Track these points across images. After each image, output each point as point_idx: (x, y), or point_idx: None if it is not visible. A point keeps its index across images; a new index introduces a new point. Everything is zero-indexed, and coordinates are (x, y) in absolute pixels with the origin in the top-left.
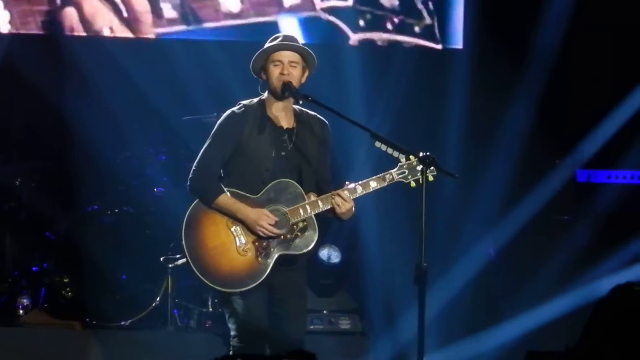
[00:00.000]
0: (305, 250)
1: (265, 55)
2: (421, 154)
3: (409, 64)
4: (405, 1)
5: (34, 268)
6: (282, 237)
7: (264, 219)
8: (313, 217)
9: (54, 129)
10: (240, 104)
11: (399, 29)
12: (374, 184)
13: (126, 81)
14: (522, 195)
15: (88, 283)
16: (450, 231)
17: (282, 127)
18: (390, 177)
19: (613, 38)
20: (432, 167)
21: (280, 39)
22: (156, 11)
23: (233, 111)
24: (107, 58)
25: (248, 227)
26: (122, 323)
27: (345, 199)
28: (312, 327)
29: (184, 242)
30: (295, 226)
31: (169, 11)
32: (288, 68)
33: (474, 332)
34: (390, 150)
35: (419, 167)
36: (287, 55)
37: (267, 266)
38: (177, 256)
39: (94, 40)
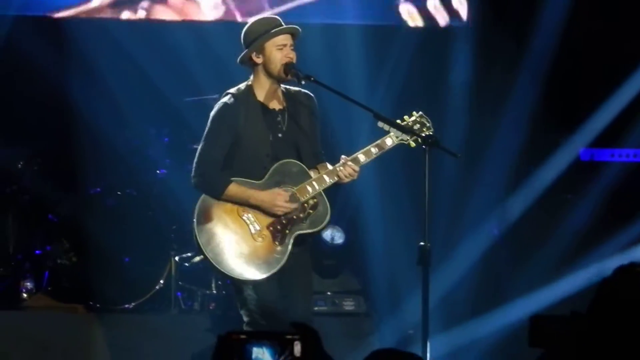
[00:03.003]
0: (321, 226)
1: (266, 39)
2: (424, 134)
3: (411, 41)
4: None
5: (37, 251)
6: (294, 217)
7: (279, 198)
8: (322, 192)
9: (56, 111)
10: (228, 93)
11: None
12: (375, 150)
13: (128, 63)
14: (526, 174)
15: (91, 266)
16: (454, 211)
17: (274, 110)
18: (390, 140)
19: (620, 15)
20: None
21: (276, 22)
22: None
23: (225, 103)
24: (108, 39)
25: (264, 211)
26: (126, 306)
27: (355, 169)
28: (316, 308)
29: (198, 239)
30: (306, 204)
31: None
32: (290, 51)
33: (479, 313)
34: (392, 130)
35: (416, 127)
36: (288, 38)
37: (287, 248)
38: (189, 254)
39: (96, 21)
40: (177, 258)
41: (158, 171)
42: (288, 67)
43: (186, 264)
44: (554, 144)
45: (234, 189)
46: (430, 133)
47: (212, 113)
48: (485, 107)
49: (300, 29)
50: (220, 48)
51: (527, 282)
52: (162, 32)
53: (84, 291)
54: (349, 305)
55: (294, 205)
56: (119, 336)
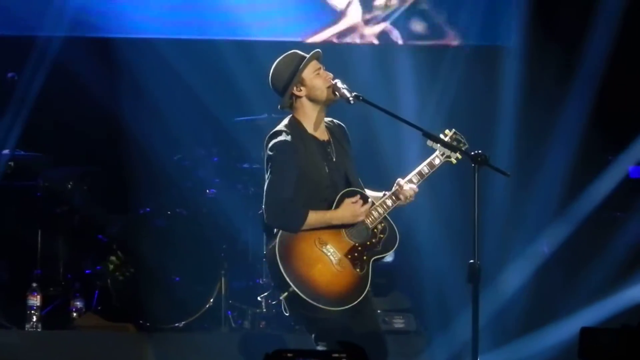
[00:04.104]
0: (393, 249)
1: (302, 69)
2: (473, 152)
3: (460, 61)
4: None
5: (87, 271)
6: (368, 242)
7: (355, 206)
8: (387, 216)
9: (106, 131)
10: (281, 132)
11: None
12: (425, 169)
13: (178, 83)
14: (575, 192)
15: (141, 285)
16: (504, 230)
17: (324, 140)
18: (438, 160)
19: None
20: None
21: (300, 54)
22: None
23: (283, 140)
24: (158, 60)
25: (345, 230)
26: (176, 325)
27: (415, 189)
28: None
29: (285, 275)
30: (375, 229)
31: None
32: (326, 73)
33: (530, 332)
34: (442, 149)
35: (454, 144)
36: (317, 63)
37: (368, 275)
38: (266, 293)
39: (145, 42)
40: (259, 297)
41: (208, 191)
42: (335, 87)
43: (273, 302)
44: (603, 162)
45: (313, 216)
46: (464, 149)
47: (273, 151)
48: (535, 125)
49: (321, 51)
50: (269, 67)
51: (577, 301)
52: (212, 51)
53: (134, 310)
54: (399, 323)
55: (367, 207)
56: (169, 355)
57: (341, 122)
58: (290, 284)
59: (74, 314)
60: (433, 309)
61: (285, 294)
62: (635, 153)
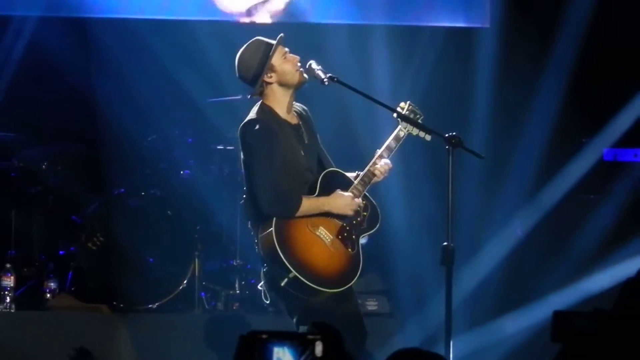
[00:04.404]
0: (378, 225)
1: (271, 56)
2: (447, 134)
3: (434, 43)
4: None
5: (60, 252)
6: (354, 221)
7: (348, 199)
8: (365, 192)
9: (80, 111)
10: (255, 119)
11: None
12: (393, 144)
13: (152, 63)
14: (549, 174)
15: (115, 266)
16: (478, 212)
17: (295, 125)
18: (402, 132)
19: None
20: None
21: (265, 40)
22: None
23: (259, 127)
24: (133, 40)
25: (334, 217)
26: (150, 306)
27: (388, 163)
28: None
29: (285, 261)
30: (359, 208)
31: None
32: (293, 56)
33: (503, 313)
34: (415, 131)
35: (411, 115)
36: (283, 47)
37: (359, 253)
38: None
39: (120, 21)
40: (259, 286)
41: (182, 172)
42: (310, 68)
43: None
44: (578, 144)
45: (307, 202)
46: (420, 120)
47: (252, 139)
48: (509, 107)
49: (283, 34)
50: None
51: (551, 283)
52: (186, 32)
53: (108, 291)
54: (372, 305)
55: (360, 202)
56: (143, 336)
57: (317, 103)
58: (291, 269)
59: (48, 295)
60: (406, 291)
61: (285, 279)
62: (609, 136)
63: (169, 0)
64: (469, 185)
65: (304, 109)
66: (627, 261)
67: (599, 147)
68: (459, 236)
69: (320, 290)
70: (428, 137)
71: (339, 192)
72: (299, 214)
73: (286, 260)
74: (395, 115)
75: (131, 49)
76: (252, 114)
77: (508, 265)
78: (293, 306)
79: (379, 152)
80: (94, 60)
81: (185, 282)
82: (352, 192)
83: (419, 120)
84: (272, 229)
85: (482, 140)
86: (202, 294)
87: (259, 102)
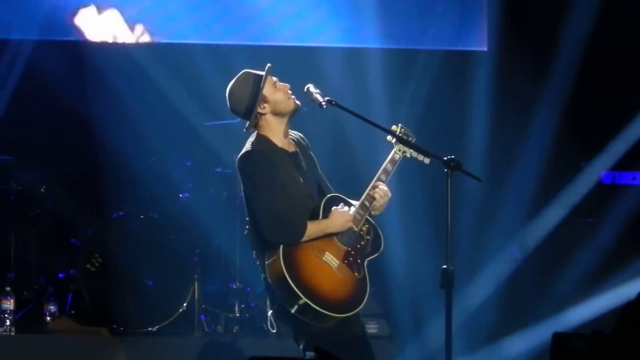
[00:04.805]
0: (382, 248)
1: (262, 87)
2: (445, 157)
3: (431, 66)
4: (428, 4)
5: (60, 275)
6: (358, 245)
7: (346, 215)
8: (368, 217)
9: (79, 135)
10: (251, 151)
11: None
12: (390, 167)
13: (150, 87)
14: (548, 197)
15: (114, 289)
16: (477, 235)
17: (292, 152)
18: (397, 155)
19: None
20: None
21: (253, 72)
22: None
23: (255, 156)
24: (131, 63)
25: (337, 238)
26: (149, 329)
27: (385, 188)
28: None
29: (294, 286)
30: (362, 232)
31: None
32: (282, 85)
33: (502, 337)
34: (414, 154)
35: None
36: (273, 77)
37: (366, 276)
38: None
39: (118, 45)
40: (269, 313)
41: (180, 195)
42: (308, 91)
43: (292, 311)
44: (576, 167)
45: (311, 227)
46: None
47: (250, 170)
48: (506, 130)
49: (270, 64)
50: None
51: (550, 305)
52: (184, 55)
53: (108, 314)
54: (372, 328)
55: (358, 214)
56: (142, 359)
57: (314, 126)
58: (301, 295)
59: (48, 318)
60: (406, 314)
61: (296, 306)
62: (607, 159)
63: (165, 23)
64: (467, 208)
65: (300, 137)
66: (625, 284)
67: (597, 170)
68: (458, 259)
69: (330, 316)
70: (427, 160)
71: (335, 209)
72: (304, 239)
73: (295, 286)
74: (389, 137)
75: (129, 72)
76: (248, 145)
77: (507, 288)
78: (300, 332)
79: (377, 175)
80: (91, 83)
81: (184, 305)
82: (355, 217)
83: (412, 141)
84: (280, 256)
85: (480, 163)
86: (202, 317)
87: (255, 133)
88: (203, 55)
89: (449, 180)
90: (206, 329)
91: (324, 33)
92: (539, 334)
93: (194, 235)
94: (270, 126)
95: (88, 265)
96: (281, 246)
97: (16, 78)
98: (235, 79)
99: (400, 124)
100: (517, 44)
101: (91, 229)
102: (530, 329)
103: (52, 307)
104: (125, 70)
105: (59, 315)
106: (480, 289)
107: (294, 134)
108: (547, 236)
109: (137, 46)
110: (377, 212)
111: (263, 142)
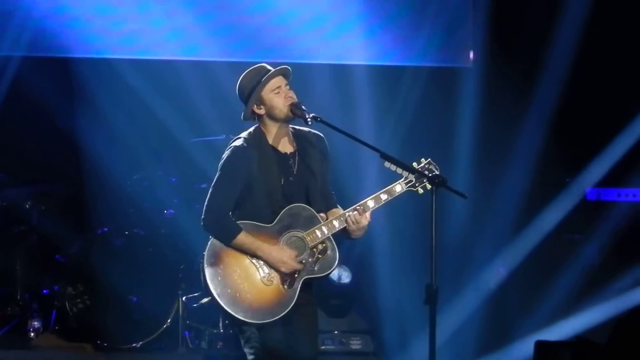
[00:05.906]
0: (328, 271)
1: (260, 89)
2: (430, 174)
3: (418, 82)
4: (413, 21)
5: (44, 291)
6: (303, 261)
7: (286, 255)
8: (331, 237)
9: (63, 151)
10: (240, 137)
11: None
12: (384, 197)
13: (136, 103)
14: (533, 214)
15: (99, 305)
16: (462, 251)
17: (286, 153)
18: (400, 187)
19: (624, 56)
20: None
21: (264, 69)
22: None
23: (237, 147)
24: (116, 80)
25: (281, 247)
26: (134, 345)
27: (361, 214)
28: (323, 347)
29: (208, 281)
30: (315, 249)
31: None
32: (287, 91)
33: (487, 352)
34: (399, 170)
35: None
36: (281, 80)
37: (295, 292)
38: (197, 294)
39: (103, 62)
40: (184, 298)
41: (166, 211)
42: (294, 106)
43: (194, 305)
44: (561, 183)
45: (243, 238)
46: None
47: (225, 157)
48: (492, 146)
49: (289, 68)
50: (226, 88)
51: (534, 321)
52: (170, 72)
53: (92, 330)
54: (356, 344)
55: (299, 266)
56: None
57: None
58: (212, 292)
59: (32, 334)
60: (390, 330)
61: (209, 298)
62: (592, 175)
63: (152, 41)
64: (452, 225)
65: (317, 137)
66: (610, 300)
67: (582, 187)
68: (443, 275)
69: (232, 317)
70: (421, 191)
71: (284, 246)
72: (233, 245)
73: (209, 281)
74: (385, 164)
75: (115, 88)
76: (244, 133)
77: (491, 304)
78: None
79: (365, 200)
80: (78, 100)
81: (169, 321)
82: (309, 236)
83: (418, 187)
84: (207, 248)
85: (465, 180)
86: (186, 332)
87: (256, 125)
88: (189, 72)
89: (434, 196)
90: (190, 345)
91: (312, 50)
92: (523, 350)
93: (179, 252)
94: (267, 125)
95: (73, 284)
96: (212, 239)
97: (2, 94)
98: (251, 68)
99: (429, 159)
100: (502, 61)
101: (76, 245)
102: (514, 345)
103: (36, 323)
104: (112, 86)
105: (43, 331)
106: (465, 305)
107: (311, 133)
108: (532, 252)
109: (123, 62)
110: (355, 236)
111: (256, 134)
